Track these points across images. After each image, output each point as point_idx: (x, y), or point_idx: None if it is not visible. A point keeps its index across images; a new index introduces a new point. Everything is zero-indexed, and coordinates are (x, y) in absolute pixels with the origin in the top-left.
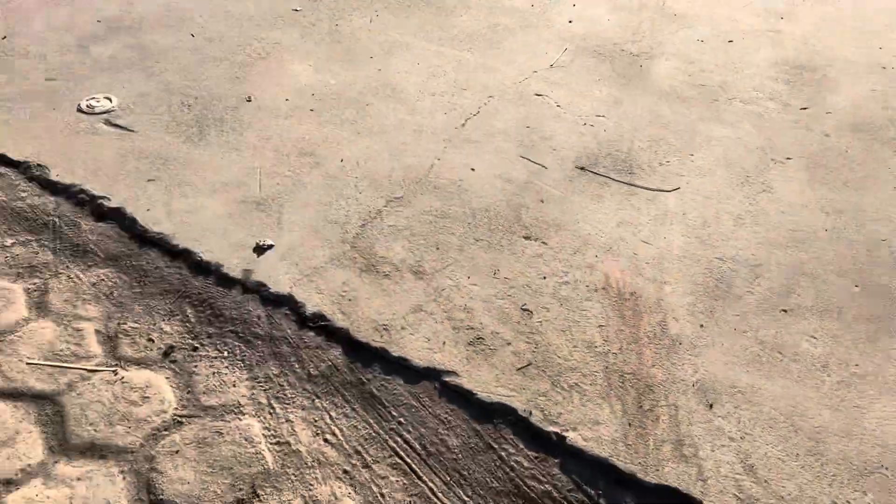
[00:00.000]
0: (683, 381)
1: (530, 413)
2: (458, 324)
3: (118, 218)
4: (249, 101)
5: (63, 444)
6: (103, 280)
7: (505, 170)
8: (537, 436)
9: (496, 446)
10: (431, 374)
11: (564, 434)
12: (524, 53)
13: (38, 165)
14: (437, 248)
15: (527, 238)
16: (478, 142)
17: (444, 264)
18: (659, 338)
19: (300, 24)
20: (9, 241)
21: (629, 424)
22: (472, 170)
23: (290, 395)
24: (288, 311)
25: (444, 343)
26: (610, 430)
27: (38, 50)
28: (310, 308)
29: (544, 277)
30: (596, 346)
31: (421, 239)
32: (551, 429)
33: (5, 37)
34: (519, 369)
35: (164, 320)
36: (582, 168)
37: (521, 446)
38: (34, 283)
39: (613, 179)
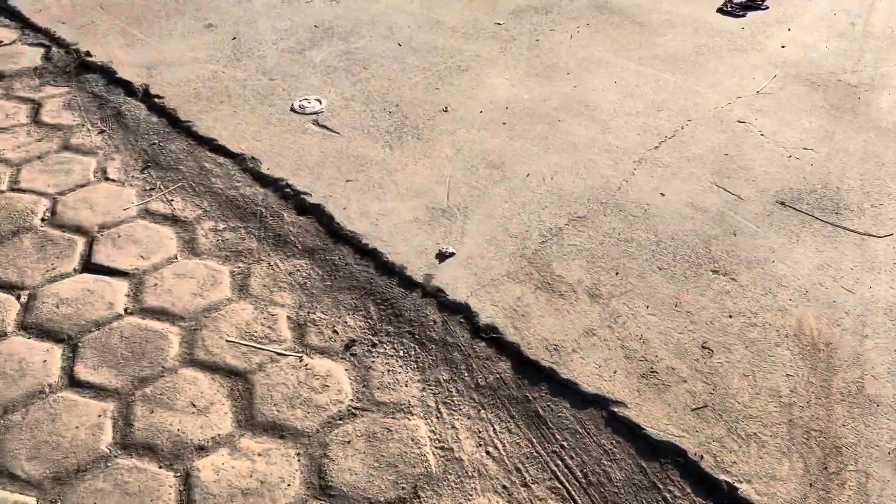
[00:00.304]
0: (878, 448)
1: (701, 457)
2: (631, 353)
3: (317, 213)
4: (446, 111)
5: (249, 419)
6: (299, 270)
7: (697, 197)
8: (706, 482)
9: (661, 486)
10: (599, 402)
11: (737, 485)
12: (729, 77)
13: (252, 158)
14: (617, 273)
15: (715, 272)
16: (670, 166)
17: (623, 290)
18: (853, 396)
19: (501, 38)
20: (221, 226)
21: (810, 485)
22: (662, 195)
23: (457, 402)
24: (462, 320)
25: (615, 371)
26: (788, 489)
27: (261, 51)
28: (483, 319)
29: (730, 316)
30: (781, 397)
31: (601, 261)
32: (723, 477)
33: (235, 37)
34: (693, 410)
35: (348, 314)
36: (782, 203)
37: (688, 491)
38: (239, 267)
39: (817, 218)
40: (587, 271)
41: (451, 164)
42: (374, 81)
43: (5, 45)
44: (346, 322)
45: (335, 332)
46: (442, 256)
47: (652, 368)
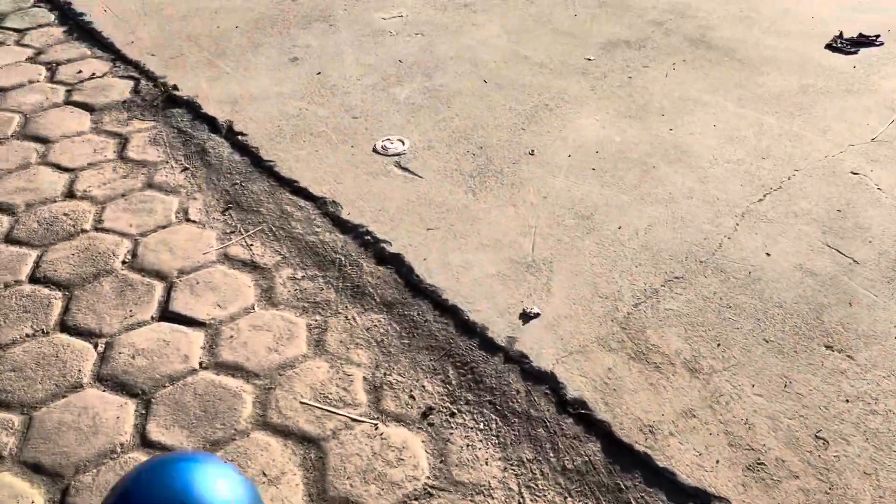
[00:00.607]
0: None
1: None
2: (736, 440)
3: (396, 264)
4: (532, 154)
5: (321, 493)
6: (376, 326)
7: (807, 259)
8: None
9: None
10: (699, 496)
11: None
12: (840, 122)
13: (333, 202)
14: (719, 344)
15: (828, 347)
16: (776, 222)
17: (726, 364)
18: None
19: (591, 75)
20: (300, 275)
21: None
22: (768, 255)
23: (541, 487)
24: (548, 391)
25: (717, 461)
26: None
27: (346, 87)
28: (571, 391)
29: (847, 401)
30: None
31: (700, 329)
32: None
33: (319, 72)
34: None
35: (426, 378)
36: None
37: None
38: (315, 320)
39: None
40: (685, 341)
41: (536, 213)
42: (457, 121)
43: (97, 77)
44: (423, 386)
45: (412, 397)
46: (526, 317)
47: (759, 459)
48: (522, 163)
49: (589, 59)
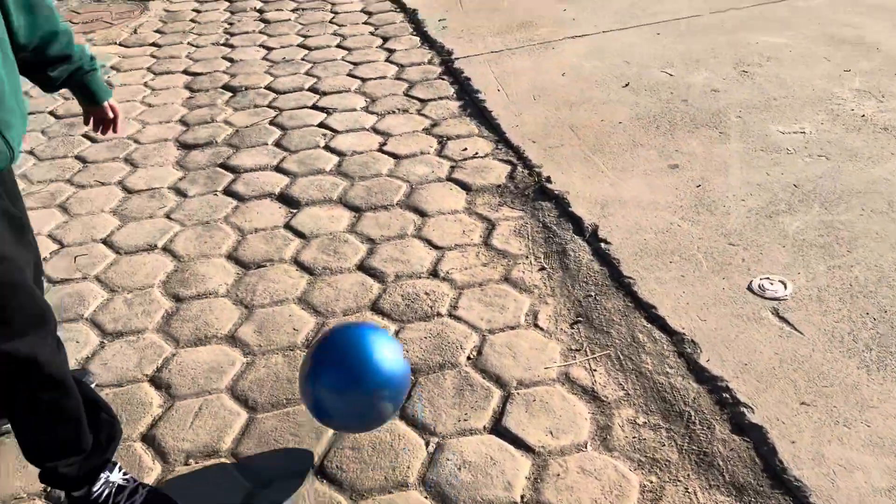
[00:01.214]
0: None
1: None
2: None
3: (756, 438)
4: None
5: None
6: None
7: None
8: None
9: None
10: None
11: None
12: None
13: (692, 342)
14: None
15: None
16: None
17: None
18: None
19: None
20: (641, 420)
21: None
22: None
23: None
24: None
25: None
26: None
27: (726, 206)
28: None
29: None
30: None
31: None
32: None
33: (699, 185)
34: None
35: None
36: None
37: None
38: (651, 482)
39: None
40: None
41: None
42: (857, 270)
43: (479, 157)
44: None
45: None
46: None
47: None
48: None
49: None
